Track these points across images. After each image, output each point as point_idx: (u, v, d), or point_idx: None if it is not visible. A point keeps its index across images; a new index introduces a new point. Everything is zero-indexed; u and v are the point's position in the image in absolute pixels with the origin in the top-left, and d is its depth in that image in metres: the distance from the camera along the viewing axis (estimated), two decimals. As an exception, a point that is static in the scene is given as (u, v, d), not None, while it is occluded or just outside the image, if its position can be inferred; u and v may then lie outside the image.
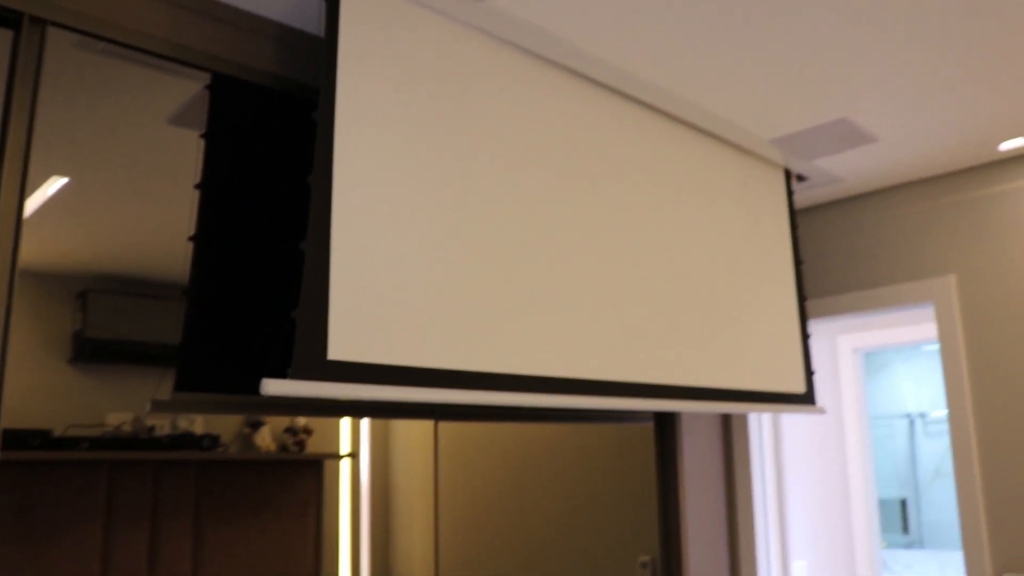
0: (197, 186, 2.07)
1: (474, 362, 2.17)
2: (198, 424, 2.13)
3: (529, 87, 2.47)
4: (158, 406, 2.03)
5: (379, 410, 2.52)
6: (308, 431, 2.40)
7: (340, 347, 1.88)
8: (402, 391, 1.98)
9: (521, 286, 2.34)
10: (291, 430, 2.37)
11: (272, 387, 1.75)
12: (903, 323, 4.73)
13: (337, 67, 1.96)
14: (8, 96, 1.83)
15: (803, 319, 3.40)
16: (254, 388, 2.14)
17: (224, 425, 2.19)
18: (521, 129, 2.41)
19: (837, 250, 3.84)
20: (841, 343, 4.76)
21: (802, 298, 3.44)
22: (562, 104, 2.57)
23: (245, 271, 2.15)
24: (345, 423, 2.48)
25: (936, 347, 7.58)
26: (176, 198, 2.09)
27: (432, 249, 2.11)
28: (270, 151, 2.21)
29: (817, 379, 4.69)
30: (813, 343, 4.86)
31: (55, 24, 1.90)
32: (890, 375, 7.93)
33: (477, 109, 2.30)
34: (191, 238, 2.04)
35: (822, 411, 3.36)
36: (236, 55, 2.18)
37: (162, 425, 2.07)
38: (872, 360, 7.92)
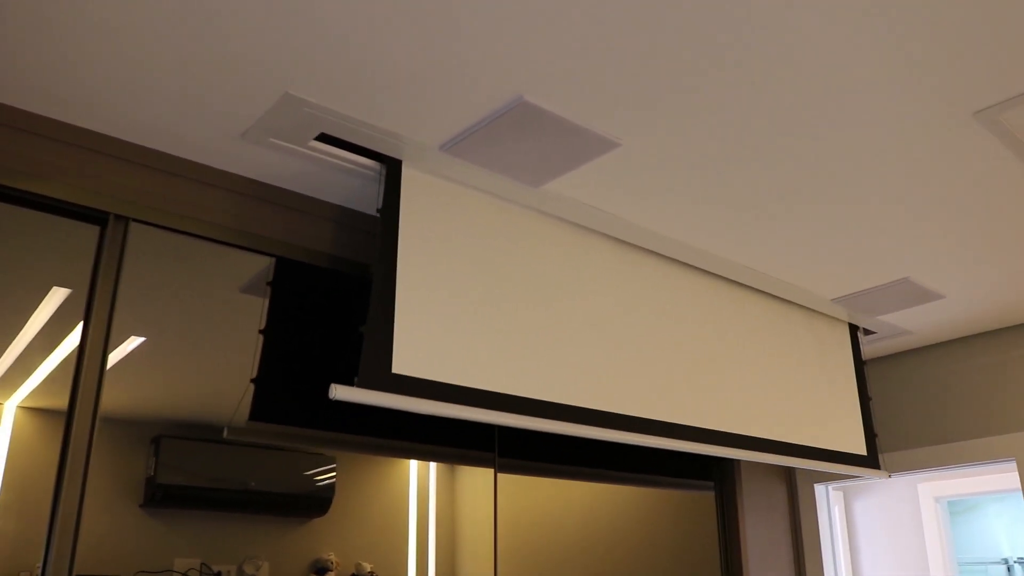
0: (251, 383, 2.21)
1: (536, 390, 2.31)
2: (264, 570, 2.17)
3: (584, 256, 2.58)
4: (233, 432, 2.15)
5: (440, 455, 2.58)
6: (374, 578, 2.41)
7: (404, 362, 2.04)
8: (461, 409, 2.11)
9: (579, 339, 2.46)
10: (357, 578, 2.38)
11: (340, 392, 1.88)
12: (986, 471, 4.53)
13: (398, 247, 2.14)
14: (93, 278, 2.03)
15: (861, 383, 3.42)
16: (324, 423, 2.28)
17: (289, 571, 2.22)
18: (577, 292, 2.51)
19: (911, 401, 3.75)
20: (922, 491, 4.58)
21: (859, 362, 3.46)
22: (621, 269, 2.65)
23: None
24: (412, 568, 2.47)
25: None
26: (244, 351, 2.24)
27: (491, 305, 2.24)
28: (325, 336, 2.37)
29: (899, 528, 4.50)
30: (892, 490, 4.68)
31: (137, 221, 2.11)
32: (981, 517, 7.48)
33: (530, 274, 2.41)
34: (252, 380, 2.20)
35: (886, 475, 3.42)
36: (297, 239, 2.38)
37: (228, 571, 2.11)
38: (960, 502, 7.50)
